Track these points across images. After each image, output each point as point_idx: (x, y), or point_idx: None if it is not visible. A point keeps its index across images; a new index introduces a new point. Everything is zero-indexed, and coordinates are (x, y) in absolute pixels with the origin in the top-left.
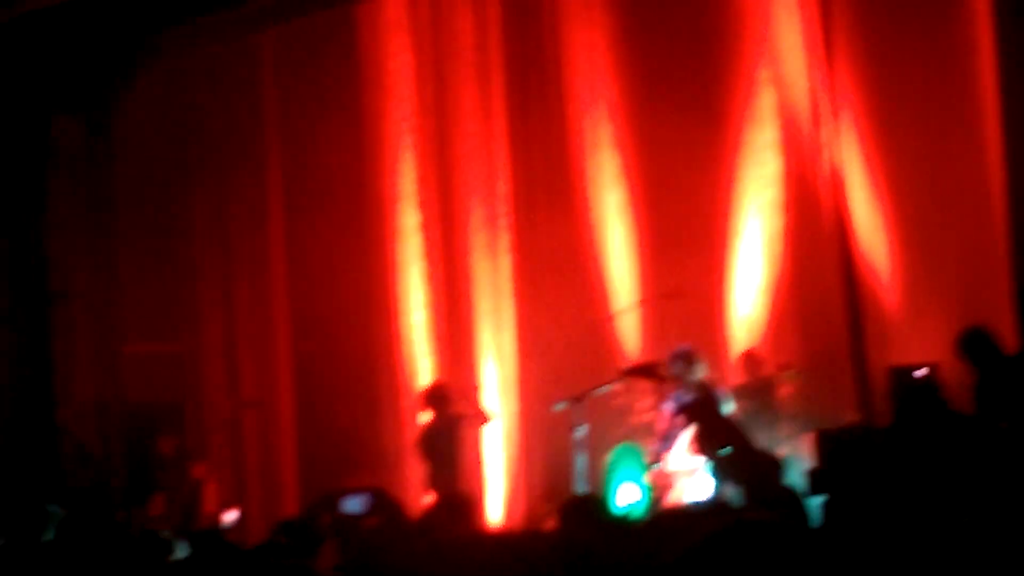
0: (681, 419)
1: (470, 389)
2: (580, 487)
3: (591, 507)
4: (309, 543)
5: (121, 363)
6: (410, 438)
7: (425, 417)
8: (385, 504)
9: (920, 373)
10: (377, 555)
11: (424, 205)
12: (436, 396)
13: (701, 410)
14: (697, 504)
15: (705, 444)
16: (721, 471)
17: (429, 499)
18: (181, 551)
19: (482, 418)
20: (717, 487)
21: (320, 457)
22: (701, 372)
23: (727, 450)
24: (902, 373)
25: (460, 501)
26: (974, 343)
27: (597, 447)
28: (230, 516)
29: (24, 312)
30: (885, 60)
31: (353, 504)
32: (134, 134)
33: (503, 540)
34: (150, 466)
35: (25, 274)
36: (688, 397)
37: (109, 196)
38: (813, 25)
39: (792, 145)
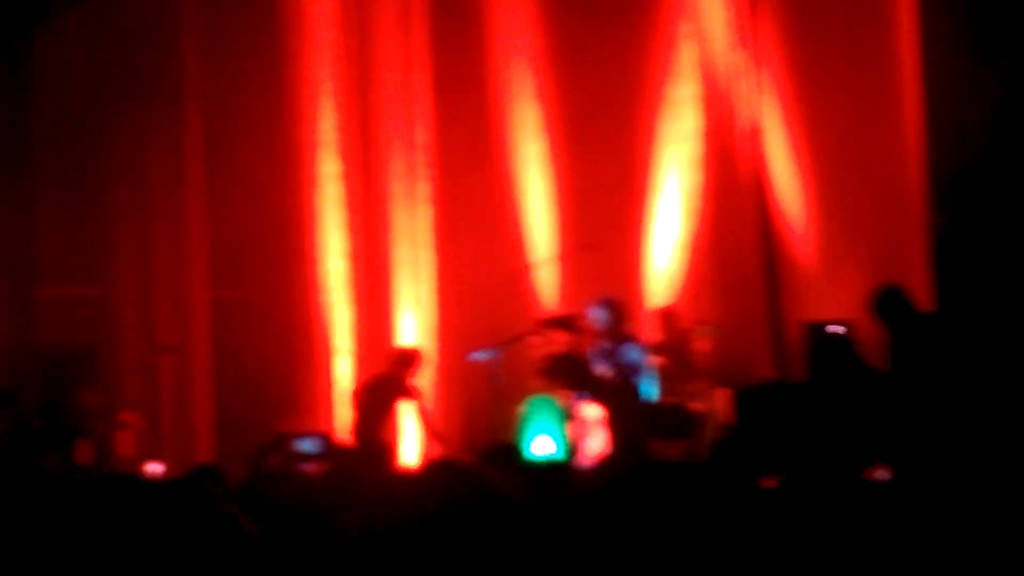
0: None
1: (412, 359)
2: (496, 437)
3: (508, 456)
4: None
5: (35, 306)
6: (324, 386)
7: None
8: (333, 448)
9: (835, 329)
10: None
11: (344, 153)
12: (403, 359)
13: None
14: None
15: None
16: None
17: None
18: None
19: (414, 394)
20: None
21: (236, 404)
22: (623, 323)
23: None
24: (817, 329)
25: (379, 447)
26: (887, 302)
27: (513, 398)
28: (154, 467)
29: None
30: (806, 16)
31: (305, 444)
32: (51, 74)
33: (419, 478)
34: (71, 413)
35: None
36: (607, 347)
37: (25, 135)
38: None
39: (712, 100)
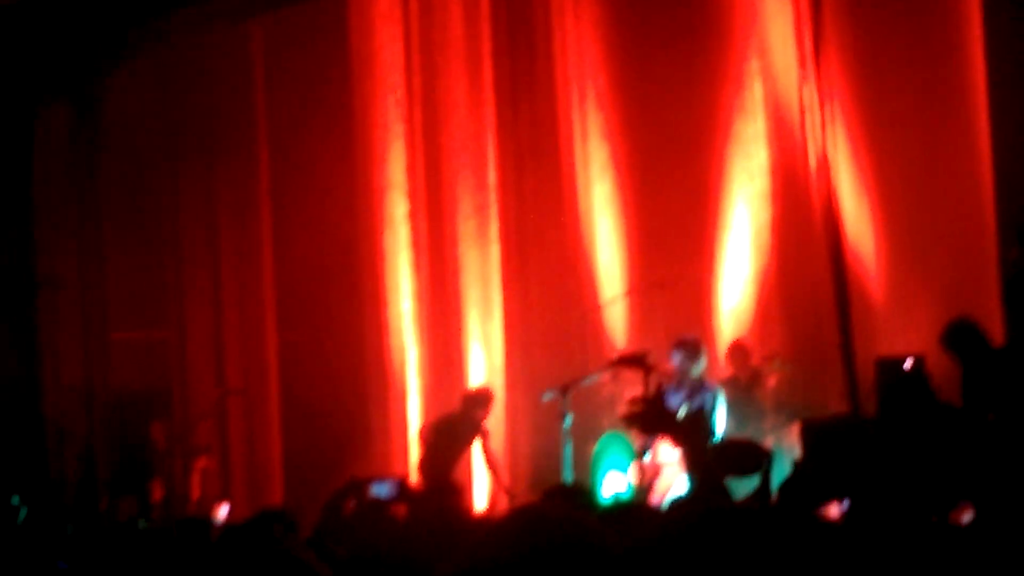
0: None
1: (487, 399)
2: (567, 477)
3: (576, 495)
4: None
5: (108, 350)
6: (396, 427)
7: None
8: (409, 492)
9: (907, 364)
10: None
11: (413, 194)
12: (478, 399)
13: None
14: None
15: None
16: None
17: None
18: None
19: (483, 433)
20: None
21: (305, 446)
22: (702, 366)
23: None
24: (889, 364)
25: (451, 489)
26: (960, 336)
27: (584, 437)
28: (222, 511)
29: (11, 299)
30: (874, 51)
31: (381, 489)
32: (122, 121)
33: (506, 525)
34: (144, 455)
35: (12, 261)
36: (681, 390)
37: (96, 183)
38: (803, 16)
39: (780, 136)
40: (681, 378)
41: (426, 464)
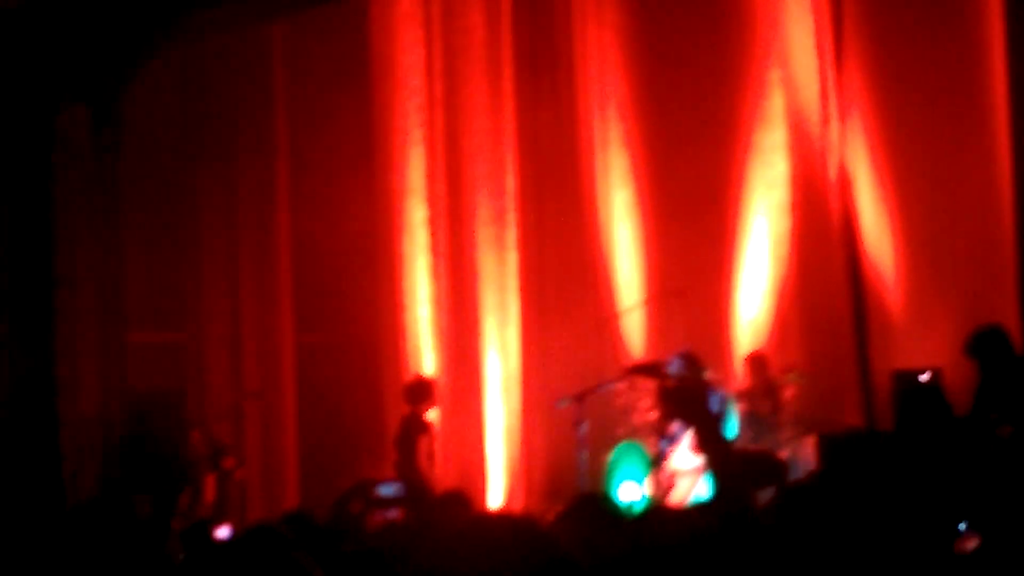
0: (667, 409)
1: (425, 392)
2: (582, 485)
3: (597, 505)
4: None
5: (124, 351)
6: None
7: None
8: (416, 495)
9: (924, 377)
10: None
11: (432, 200)
12: (416, 391)
13: (686, 403)
14: (698, 502)
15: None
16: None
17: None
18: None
19: (427, 429)
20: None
21: (322, 448)
22: (701, 375)
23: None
24: (906, 377)
25: (460, 496)
26: (987, 342)
27: (599, 445)
28: (223, 532)
29: (28, 298)
30: (895, 63)
31: (387, 489)
32: (142, 122)
33: (484, 534)
34: (164, 455)
35: (30, 259)
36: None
37: (115, 183)
38: (824, 27)
39: (800, 147)
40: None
41: (397, 466)
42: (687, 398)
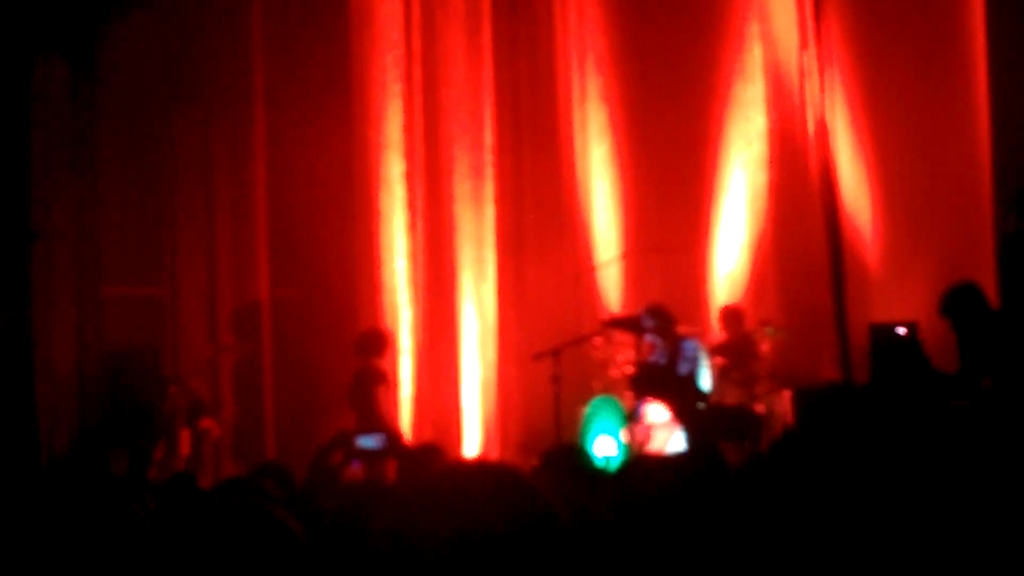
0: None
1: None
2: (558, 439)
3: (574, 457)
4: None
5: (100, 304)
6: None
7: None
8: (397, 445)
9: (901, 331)
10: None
11: (409, 153)
12: (367, 344)
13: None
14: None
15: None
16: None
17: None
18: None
19: (384, 379)
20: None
21: (297, 403)
22: (672, 327)
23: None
24: (883, 331)
25: (436, 449)
26: (961, 299)
27: (576, 399)
28: None
29: (4, 250)
30: (874, 17)
31: (367, 441)
32: (118, 73)
33: (463, 484)
34: (137, 408)
35: (6, 212)
36: (664, 349)
37: (91, 135)
38: None
39: (779, 101)
40: (657, 339)
41: (361, 421)
42: (657, 378)
